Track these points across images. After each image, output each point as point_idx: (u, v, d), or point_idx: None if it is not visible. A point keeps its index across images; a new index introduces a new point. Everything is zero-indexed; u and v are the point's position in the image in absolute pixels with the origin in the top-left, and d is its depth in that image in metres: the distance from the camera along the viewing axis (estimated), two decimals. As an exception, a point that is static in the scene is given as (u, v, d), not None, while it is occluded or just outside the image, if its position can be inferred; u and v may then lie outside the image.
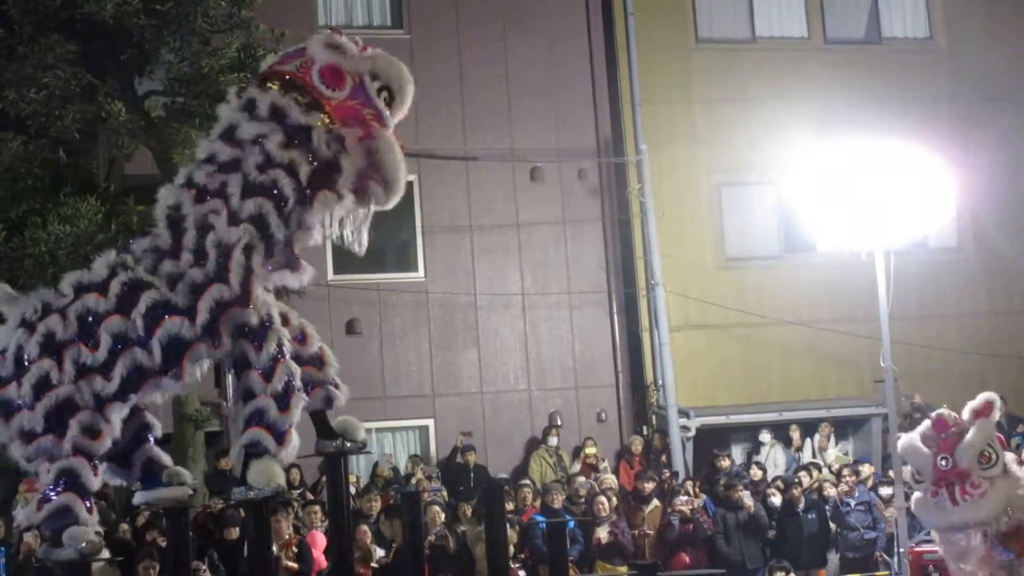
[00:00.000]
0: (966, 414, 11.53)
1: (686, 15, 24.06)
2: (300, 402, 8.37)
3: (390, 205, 8.74)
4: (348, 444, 8.99)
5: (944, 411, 11.70)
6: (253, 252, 8.19)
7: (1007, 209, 24.36)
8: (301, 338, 8.76)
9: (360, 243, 8.72)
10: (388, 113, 8.46)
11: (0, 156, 17.05)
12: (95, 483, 8.31)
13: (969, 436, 11.17)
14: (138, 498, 9.02)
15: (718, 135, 23.59)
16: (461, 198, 22.34)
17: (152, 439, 8.94)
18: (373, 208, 8.71)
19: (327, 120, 8.31)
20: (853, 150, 17.62)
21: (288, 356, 8.40)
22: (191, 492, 9.08)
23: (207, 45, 17.41)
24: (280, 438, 8.26)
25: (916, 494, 11.80)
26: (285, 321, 8.60)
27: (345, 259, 21.69)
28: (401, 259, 22.49)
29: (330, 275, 21.37)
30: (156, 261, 8.34)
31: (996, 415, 11.54)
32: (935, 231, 21.45)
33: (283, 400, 8.28)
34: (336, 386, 8.91)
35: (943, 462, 11.20)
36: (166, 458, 9.05)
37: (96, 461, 8.27)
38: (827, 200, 17.78)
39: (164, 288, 8.23)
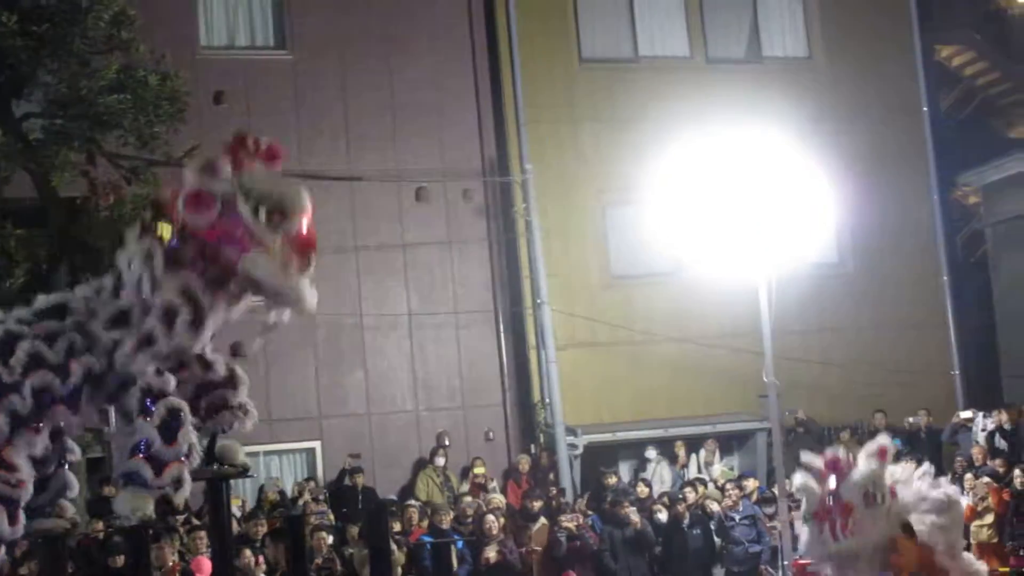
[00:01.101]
0: (860, 457, 11.64)
1: (569, 35, 24.20)
2: (187, 435, 8.26)
3: (302, 309, 8.71)
4: (227, 467, 8.88)
5: (839, 451, 11.67)
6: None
7: (886, 224, 24.77)
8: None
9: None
10: (261, 230, 8.29)
11: None
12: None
13: (856, 474, 11.20)
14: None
15: (603, 154, 23.75)
16: (346, 219, 22.24)
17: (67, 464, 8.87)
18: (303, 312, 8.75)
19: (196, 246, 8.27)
20: (736, 168, 17.87)
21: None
22: (68, 526, 8.92)
23: (86, 66, 17.16)
24: (159, 469, 8.15)
25: (804, 529, 11.87)
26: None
27: (230, 281, 21.50)
28: (286, 280, 22.28)
29: (214, 297, 21.16)
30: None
31: (889, 459, 11.58)
32: (816, 247, 21.78)
33: (168, 432, 8.18)
34: (245, 412, 8.84)
35: (829, 498, 11.22)
36: (75, 486, 8.96)
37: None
38: (710, 218, 18.01)
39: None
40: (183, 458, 8.22)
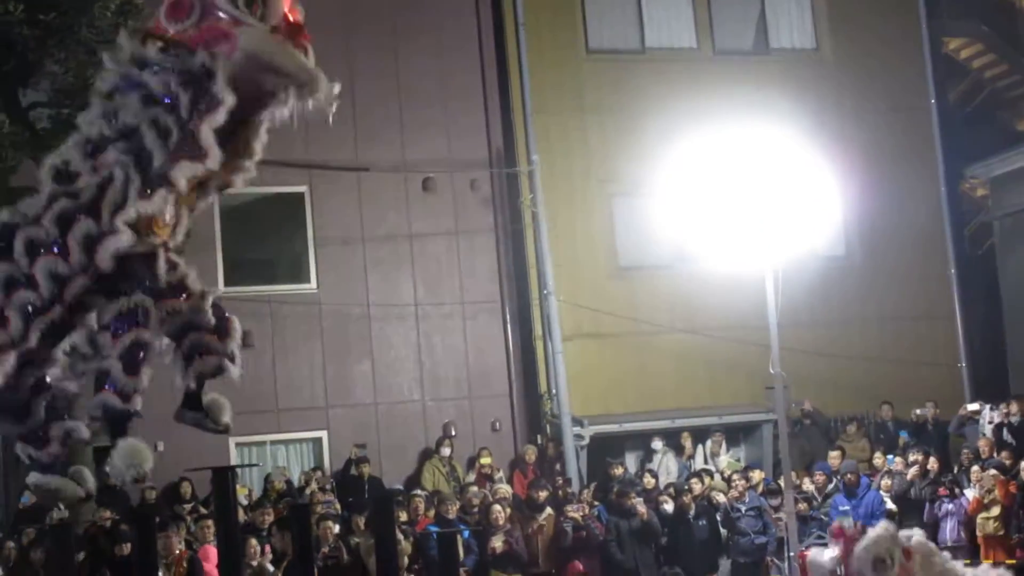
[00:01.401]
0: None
1: (576, 26, 24.18)
2: (147, 368, 8.03)
3: (320, 94, 8.55)
4: (209, 423, 8.57)
5: (845, 521, 11.57)
6: (130, 185, 7.96)
7: (893, 217, 24.74)
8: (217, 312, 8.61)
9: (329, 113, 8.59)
10: (247, 15, 8.08)
11: None
12: None
13: (864, 541, 10.71)
14: (31, 478, 8.66)
15: (609, 145, 23.74)
16: (353, 209, 22.25)
17: (67, 414, 8.53)
18: (324, 98, 8.59)
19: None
20: (742, 160, 17.86)
21: (144, 325, 8.10)
22: (82, 495, 8.68)
23: (93, 56, 17.14)
24: (126, 398, 7.94)
25: None
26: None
27: (237, 271, 21.56)
28: (293, 271, 22.38)
29: (221, 287, 21.17)
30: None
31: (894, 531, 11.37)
32: (823, 239, 21.76)
33: (131, 364, 7.98)
34: (232, 359, 8.57)
35: (839, 569, 10.83)
36: (83, 433, 8.56)
37: None
38: (716, 210, 18.00)
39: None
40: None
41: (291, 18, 8.34)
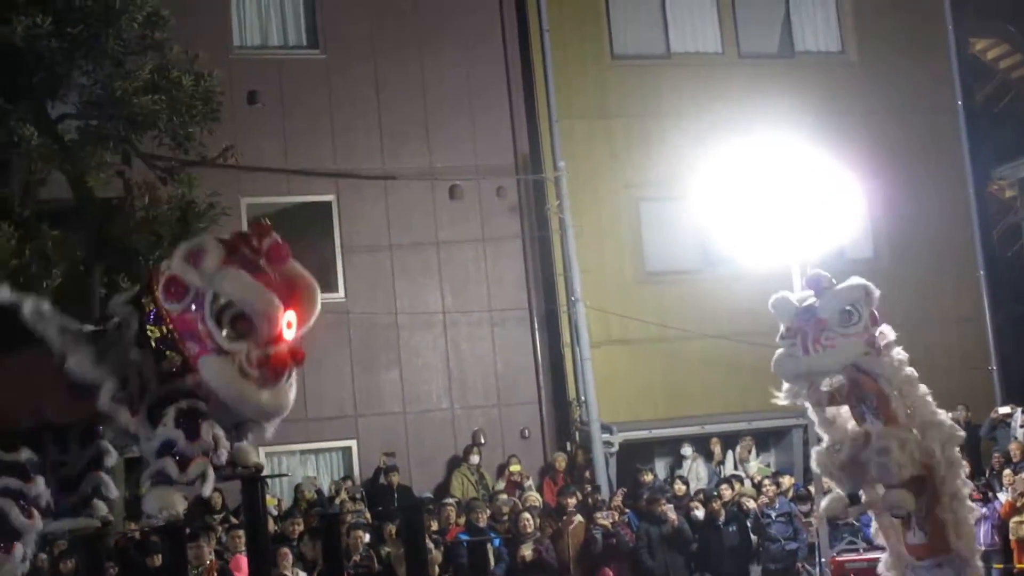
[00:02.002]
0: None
1: (601, 32, 24.17)
2: (209, 429, 8.21)
3: (266, 427, 8.49)
4: (240, 469, 8.77)
5: (819, 271, 11.33)
6: None
7: (921, 219, 24.66)
8: None
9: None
10: (221, 336, 8.01)
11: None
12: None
13: (835, 290, 10.88)
14: (47, 526, 8.87)
15: (636, 150, 23.71)
16: (380, 217, 22.28)
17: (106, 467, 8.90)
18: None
19: (165, 330, 8.15)
20: (769, 164, 17.80)
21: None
22: (97, 525, 8.89)
23: (120, 67, 17.26)
24: (184, 465, 8.13)
25: (779, 350, 11.39)
26: None
27: (265, 280, 21.57)
28: (321, 279, 22.02)
29: (250, 297, 21.24)
30: None
31: (874, 301, 11.08)
32: (850, 242, 21.68)
33: (190, 429, 8.15)
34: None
35: (806, 312, 10.87)
36: (113, 490, 8.97)
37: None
38: (744, 214, 17.95)
39: None
40: (208, 453, 8.18)
41: (283, 350, 8.21)
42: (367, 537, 16.88)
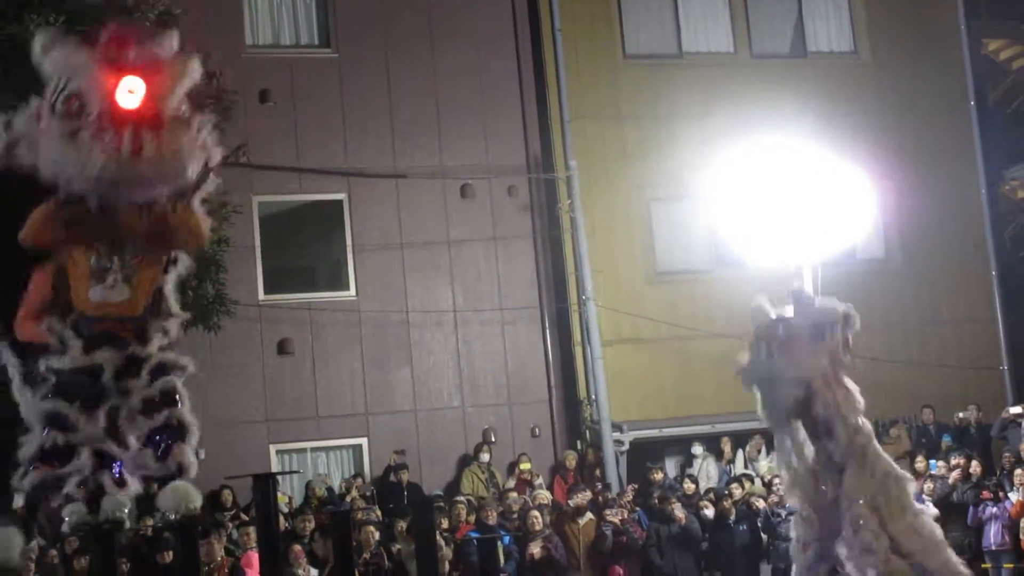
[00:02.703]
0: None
1: (613, 31, 24.18)
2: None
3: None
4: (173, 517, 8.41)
5: (805, 289, 11.36)
6: None
7: (933, 219, 24.65)
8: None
9: None
10: (52, 117, 7.96)
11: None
12: None
13: (816, 306, 10.65)
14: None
15: (647, 150, 23.70)
16: (391, 216, 22.31)
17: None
18: None
19: None
20: (780, 163, 17.82)
21: None
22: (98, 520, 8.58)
23: (132, 65, 17.31)
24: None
25: (743, 354, 11.16)
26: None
27: (277, 279, 21.66)
28: (332, 278, 22.45)
29: (261, 295, 21.31)
30: None
31: (852, 325, 10.58)
32: (862, 242, 21.69)
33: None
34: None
35: (778, 322, 10.72)
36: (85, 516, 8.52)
37: None
38: (755, 214, 17.97)
39: None
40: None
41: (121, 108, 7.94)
42: (378, 534, 16.91)
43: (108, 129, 7.81)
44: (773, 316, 10.82)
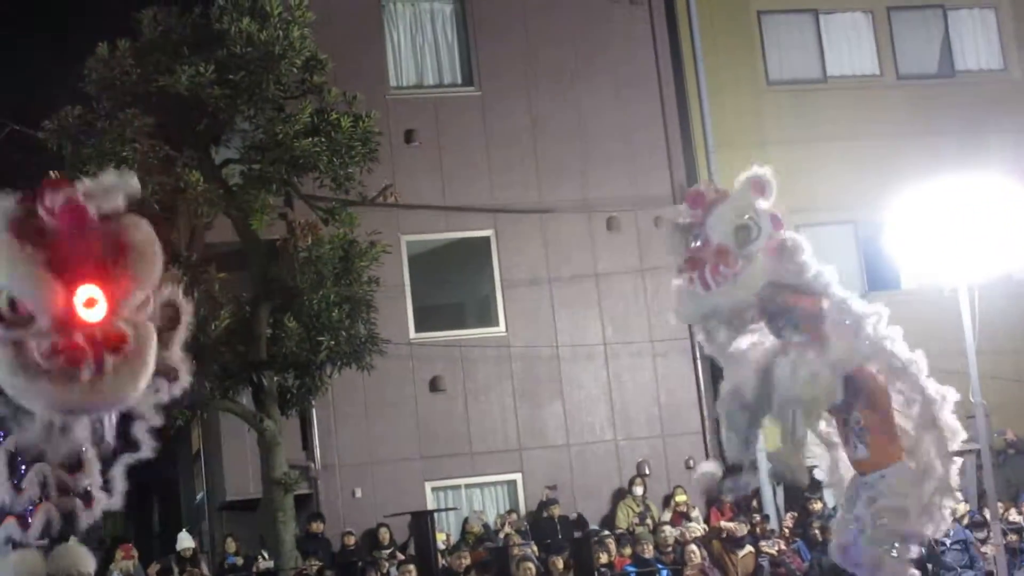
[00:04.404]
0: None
1: (756, 58, 24.01)
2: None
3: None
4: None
5: (702, 185, 9.31)
6: None
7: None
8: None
9: None
10: None
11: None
12: None
13: (722, 206, 8.82)
14: None
15: (793, 176, 23.26)
16: (538, 251, 22.35)
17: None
18: None
19: None
20: (932, 185, 17.51)
21: None
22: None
23: (280, 111, 17.63)
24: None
25: (675, 283, 9.25)
26: None
27: (427, 317, 21.82)
28: (482, 314, 22.55)
29: (412, 333, 21.46)
30: None
31: (768, 193, 9.10)
32: (1020, 263, 21.18)
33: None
34: (88, 498, 8.11)
35: (695, 240, 8.88)
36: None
37: None
38: (909, 237, 17.66)
39: None
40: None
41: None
42: (534, 570, 16.88)
43: (63, 351, 6.77)
44: (684, 236, 9.06)
